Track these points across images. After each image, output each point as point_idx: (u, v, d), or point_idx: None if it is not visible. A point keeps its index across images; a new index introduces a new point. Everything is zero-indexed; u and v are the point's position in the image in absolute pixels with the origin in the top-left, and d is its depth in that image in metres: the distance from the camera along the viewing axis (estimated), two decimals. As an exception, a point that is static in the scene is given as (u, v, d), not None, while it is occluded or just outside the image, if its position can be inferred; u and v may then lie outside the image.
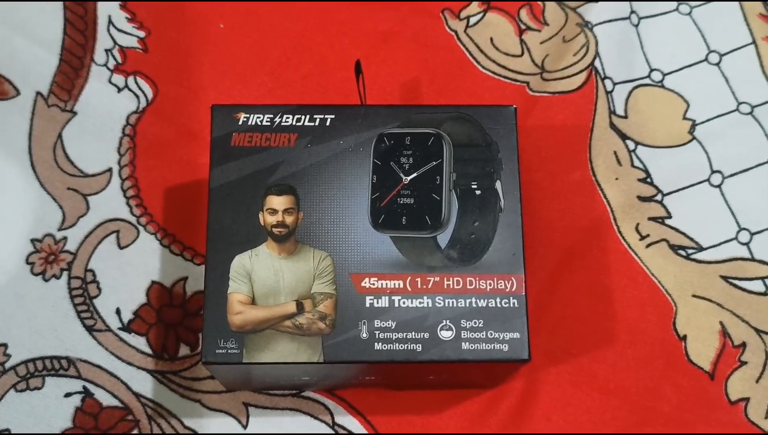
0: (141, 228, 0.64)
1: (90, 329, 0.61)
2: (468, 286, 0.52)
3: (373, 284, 0.52)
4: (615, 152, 0.68)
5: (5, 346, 0.60)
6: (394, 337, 0.51)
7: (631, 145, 0.68)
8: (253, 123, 0.54)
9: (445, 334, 0.51)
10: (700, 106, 0.70)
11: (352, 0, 0.71)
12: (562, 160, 0.67)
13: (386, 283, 0.52)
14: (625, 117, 0.69)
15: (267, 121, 0.54)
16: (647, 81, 0.70)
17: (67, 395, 0.60)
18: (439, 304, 0.52)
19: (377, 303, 0.52)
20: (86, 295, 0.62)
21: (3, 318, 0.61)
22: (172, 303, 0.62)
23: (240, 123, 0.54)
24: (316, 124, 0.55)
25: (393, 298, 0.52)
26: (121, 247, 0.63)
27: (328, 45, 0.70)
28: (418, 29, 0.71)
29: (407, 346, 0.51)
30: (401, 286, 0.52)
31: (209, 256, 0.52)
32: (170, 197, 0.65)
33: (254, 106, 0.55)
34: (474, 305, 0.52)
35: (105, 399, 0.60)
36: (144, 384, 0.60)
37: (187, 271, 0.63)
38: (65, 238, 0.63)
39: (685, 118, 0.69)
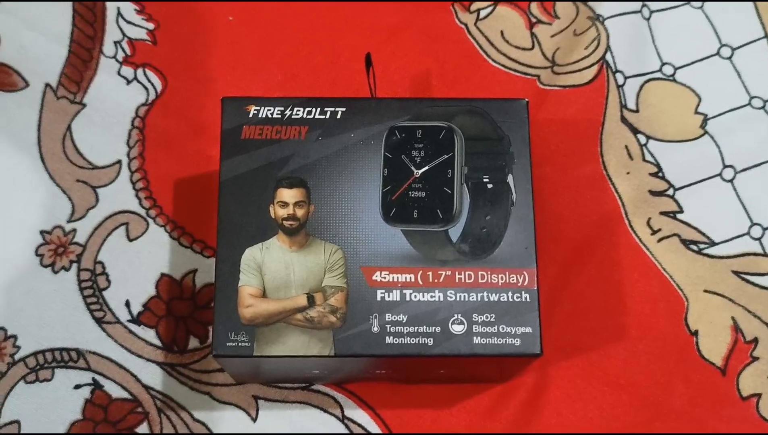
0: (150, 220, 0.64)
1: (99, 321, 0.61)
2: (480, 280, 0.52)
3: (385, 278, 0.52)
4: (626, 146, 0.68)
5: (15, 337, 0.60)
6: (405, 330, 0.51)
7: (643, 140, 0.68)
8: (264, 116, 0.54)
9: (457, 329, 0.51)
10: (711, 101, 0.69)
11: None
12: (573, 154, 0.67)
13: (397, 277, 0.52)
14: (637, 111, 0.68)
15: (278, 114, 0.54)
16: (659, 75, 0.70)
17: (77, 387, 0.60)
18: (451, 298, 0.51)
19: (388, 297, 0.51)
20: (96, 287, 0.62)
21: (13, 310, 0.61)
22: (182, 295, 0.62)
23: (250, 115, 0.54)
24: (327, 116, 0.54)
25: (404, 291, 0.51)
26: (130, 240, 0.63)
27: (337, 38, 0.69)
28: (428, 22, 0.71)
29: (418, 340, 0.51)
30: (412, 279, 0.52)
31: (220, 248, 0.52)
32: (180, 189, 0.65)
33: (265, 99, 0.54)
34: (486, 299, 0.51)
35: (114, 391, 0.60)
36: (153, 376, 0.60)
37: (196, 264, 0.63)
38: (74, 230, 0.63)
39: (696, 113, 0.69)
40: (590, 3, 0.71)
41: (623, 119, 0.68)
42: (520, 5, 0.71)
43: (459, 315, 0.51)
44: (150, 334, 0.61)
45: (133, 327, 0.61)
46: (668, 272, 0.64)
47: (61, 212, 0.63)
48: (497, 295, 0.52)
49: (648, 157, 0.67)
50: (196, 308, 0.62)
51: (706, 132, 0.68)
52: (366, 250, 0.52)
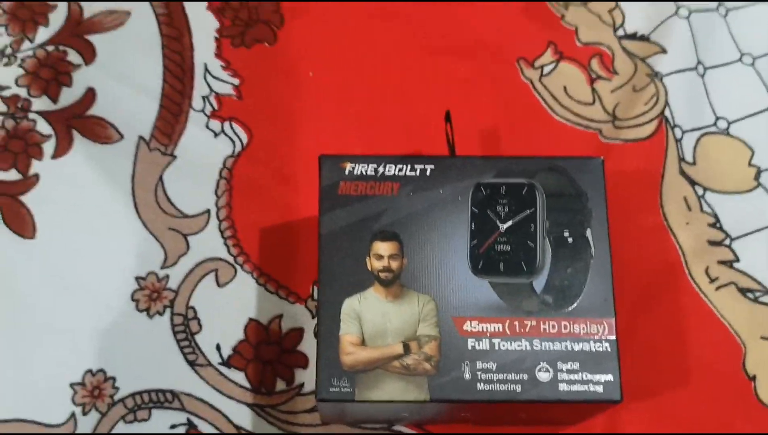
0: (238, 267, 0.67)
1: (192, 364, 0.65)
2: (563, 330, 0.55)
3: (475, 327, 0.55)
4: (685, 198, 0.71)
5: (114, 379, 0.64)
6: (495, 378, 0.54)
7: (700, 191, 0.71)
8: (359, 172, 0.58)
9: (543, 376, 0.54)
10: (764, 153, 0.73)
11: (434, 50, 0.75)
12: (635, 205, 0.71)
13: (486, 327, 0.55)
14: (694, 163, 0.72)
15: (371, 171, 0.58)
16: (714, 129, 0.73)
17: (173, 427, 0.63)
18: (537, 347, 0.55)
19: (478, 346, 0.55)
20: (188, 331, 0.65)
21: (112, 352, 0.64)
22: (269, 340, 0.65)
23: (346, 172, 0.58)
24: (417, 174, 0.58)
25: (493, 340, 0.55)
26: (219, 286, 0.67)
27: (411, 91, 0.73)
28: (495, 78, 0.74)
29: (507, 387, 0.54)
30: (501, 329, 0.55)
31: (321, 298, 0.55)
32: (265, 237, 0.68)
33: (359, 157, 0.58)
34: (569, 349, 0.55)
35: (208, 431, 0.63)
36: (244, 417, 0.63)
37: (282, 309, 0.66)
38: (167, 276, 0.67)
39: (750, 165, 0.72)
40: (648, 60, 0.75)
41: (682, 172, 0.72)
42: (581, 61, 0.75)
43: (545, 363, 0.54)
44: (239, 377, 0.65)
45: (223, 369, 0.65)
46: (726, 319, 0.68)
47: (155, 259, 0.67)
48: (580, 344, 0.55)
49: (706, 208, 0.71)
50: (283, 352, 0.65)
51: (759, 184, 0.72)
52: (456, 300, 0.55)
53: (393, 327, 0.55)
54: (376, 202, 0.57)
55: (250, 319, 0.66)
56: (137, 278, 0.66)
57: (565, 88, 0.75)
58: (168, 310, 0.66)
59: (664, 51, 0.75)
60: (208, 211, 0.69)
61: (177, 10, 0.74)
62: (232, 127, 0.71)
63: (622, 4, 0.77)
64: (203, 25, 0.74)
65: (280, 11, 0.75)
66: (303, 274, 0.67)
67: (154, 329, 0.65)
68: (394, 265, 0.56)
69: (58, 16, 0.74)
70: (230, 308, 0.66)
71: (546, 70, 0.75)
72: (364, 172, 0.58)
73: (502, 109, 0.73)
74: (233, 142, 0.71)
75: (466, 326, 0.55)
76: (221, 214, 0.69)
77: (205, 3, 0.75)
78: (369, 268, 0.56)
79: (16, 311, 0.65)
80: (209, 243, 0.68)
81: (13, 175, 0.69)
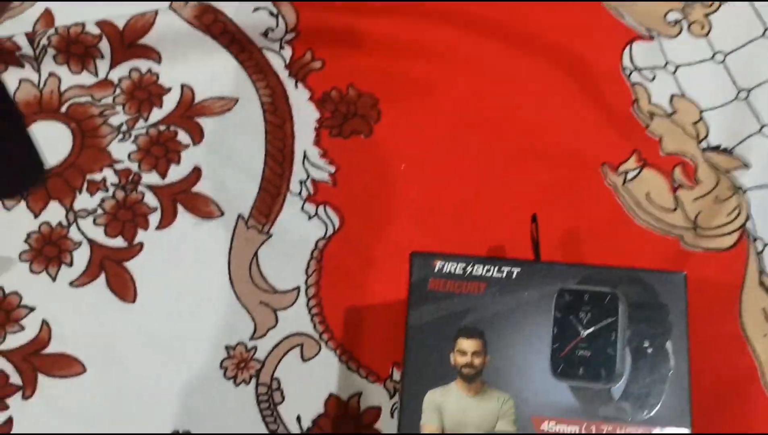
0: (323, 343, 0.71)
1: (273, 433, 0.68)
2: (638, 438, 0.57)
3: (552, 428, 0.57)
4: (764, 309, 0.72)
5: (199, 442, 0.67)
6: (569, 479, 0.56)
7: (778, 305, 0.72)
8: (448, 271, 0.61)
9: (616, 482, 0.56)
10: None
11: (519, 154, 0.78)
12: (713, 313, 0.72)
13: (564, 428, 0.57)
14: (773, 277, 0.73)
15: (460, 270, 0.61)
16: (794, 244, 0.75)
17: (252, 492, 0.66)
18: (611, 452, 0.56)
19: (555, 446, 0.57)
20: (271, 401, 0.68)
21: (198, 416, 0.68)
22: (347, 415, 0.68)
23: (436, 270, 0.61)
24: (504, 275, 0.61)
25: (569, 442, 0.57)
26: (304, 360, 0.70)
27: (496, 192, 0.76)
28: (579, 182, 0.77)
29: (580, 489, 0.56)
30: (577, 431, 0.57)
31: (406, 389, 0.58)
32: (349, 317, 0.71)
33: (449, 255, 0.61)
34: (643, 457, 0.56)
35: (284, 502, 0.66)
36: (319, 490, 0.66)
37: (362, 387, 0.69)
38: (255, 348, 0.70)
39: (829, 283, 0.73)
40: (731, 174, 0.77)
41: (761, 283, 0.73)
42: (664, 169, 0.78)
43: (618, 469, 0.56)
44: (317, 450, 0.68)
45: (302, 441, 0.68)
46: (800, 433, 0.68)
47: (245, 330, 0.71)
48: (654, 453, 0.56)
49: (783, 322, 0.72)
50: (360, 428, 0.68)
51: (838, 301, 0.73)
52: (536, 400, 0.57)
53: (472, 421, 0.57)
54: (463, 300, 0.60)
55: (331, 394, 0.69)
56: (227, 347, 0.70)
57: (647, 194, 0.77)
58: (254, 380, 0.69)
59: (746, 166, 0.77)
60: (297, 289, 0.72)
61: (281, 99, 0.79)
62: (325, 212, 0.75)
63: (706, 117, 0.79)
64: (305, 114, 0.79)
65: (377, 106, 0.79)
66: (383, 355, 0.70)
67: (240, 397, 0.69)
68: (477, 361, 0.58)
69: (171, 99, 0.79)
70: (312, 382, 0.69)
71: (630, 175, 0.77)
72: (452, 271, 0.61)
73: (584, 212, 0.76)
74: (326, 225, 0.75)
75: (544, 426, 0.57)
76: (310, 292, 0.72)
77: (308, 94, 0.80)
78: (453, 363, 0.58)
79: (113, 370, 0.70)
80: (297, 319, 0.71)
81: (119, 241, 0.74)
